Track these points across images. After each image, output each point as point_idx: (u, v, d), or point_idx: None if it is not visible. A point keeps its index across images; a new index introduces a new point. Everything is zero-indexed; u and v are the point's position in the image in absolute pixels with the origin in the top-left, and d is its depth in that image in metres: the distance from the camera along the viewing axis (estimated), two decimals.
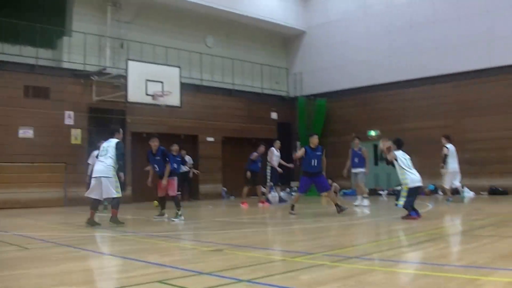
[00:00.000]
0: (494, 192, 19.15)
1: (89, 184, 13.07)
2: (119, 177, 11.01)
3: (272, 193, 18.19)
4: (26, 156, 17.56)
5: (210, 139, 22.72)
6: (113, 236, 8.81)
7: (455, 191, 16.88)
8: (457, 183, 16.12)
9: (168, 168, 11.83)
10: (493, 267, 5.11)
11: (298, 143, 25.18)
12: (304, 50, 26.45)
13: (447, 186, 16.15)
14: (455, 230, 8.86)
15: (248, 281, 4.65)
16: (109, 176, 10.50)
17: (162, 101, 18.55)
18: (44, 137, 18.03)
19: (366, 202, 15.56)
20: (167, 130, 20.09)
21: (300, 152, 12.81)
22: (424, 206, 14.54)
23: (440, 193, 17.14)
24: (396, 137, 11.70)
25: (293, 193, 23.94)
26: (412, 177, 10.77)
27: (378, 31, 23.36)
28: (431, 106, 21.32)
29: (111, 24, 20.24)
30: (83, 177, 15.71)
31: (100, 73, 19.25)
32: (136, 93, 18.02)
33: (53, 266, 5.82)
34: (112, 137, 11.04)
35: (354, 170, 15.82)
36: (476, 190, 19.43)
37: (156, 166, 12.06)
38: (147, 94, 18.25)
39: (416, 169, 10.92)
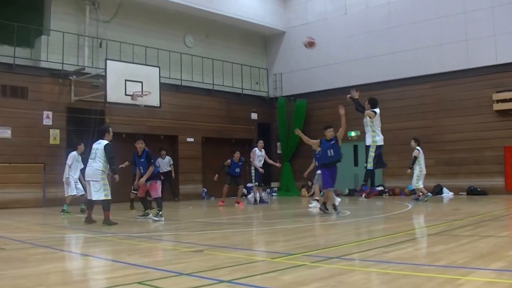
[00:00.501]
0: (472, 192, 19.35)
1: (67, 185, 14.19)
2: (114, 179, 11.04)
3: (251, 193, 18.32)
4: (4, 156, 17.34)
5: (190, 139, 22.64)
6: (93, 237, 8.73)
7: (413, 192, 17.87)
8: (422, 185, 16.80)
9: (150, 169, 11.78)
10: (472, 267, 5.14)
11: (278, 144, 25.23)
12: (284, 51, 26.49)
13: (421, 185, 16.55)
14: (434, 230, 8.91)
15: (229, 281, 4.62)
16: (97, 179, 10.63)
17: (142, 101, 18.44)
18: (22, 137, 17.82)
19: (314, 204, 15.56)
20: (146, 131, 19.97)
21: (315, 144, 12.29)
22: (404, 206, 14.66)
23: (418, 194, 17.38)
24: (371, 96, 11.90)
25: (273, 194, 24.02)
26: (381, 136, 11.14)
27: (357, 32, 23.51)
28: (410, 107, 21.50)
29: (89, 23, 20.09)
30: (62, 178, 15.55)
31: (79, 72, 19.09)
32: (115, 93, 17.86)
33: (31, 267, 5.73)
34: (102, 138, 11.01)
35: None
36: (455, 190, 19.69)
37: (141, 168, 12.02)
38: (126, 94, 18.11)
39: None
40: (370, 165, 11.01)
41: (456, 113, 20.31)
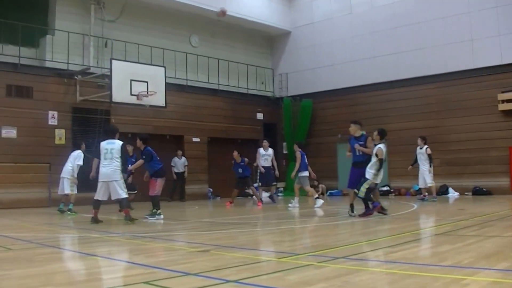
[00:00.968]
0: (478, 192, 19.30)
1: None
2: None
3: (268, 193, 18.57)
4: (9, 156, 17.36)
5: (196, 139, 22.66)
6: (99, 237, 8.75)
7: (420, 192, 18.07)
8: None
9: (139, 162, 12.28)
10: (478, 267, 5.14)
11: (284, 144, 25.21)
12: (289, 51, 26.48)
13: (431, 184, 16.64)
14: (440, 230, 8.90)
15: (235, 281, 4.63)
16: (118, 179, 10.88)
17: (147, 101, 18.44)
18: (27, 137, 17.85)
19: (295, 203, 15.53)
20: (152, 131, 19.98)
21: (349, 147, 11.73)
22: (410, 206, 14.65)
23: (423, 194, 17.41)
24: (379, 128, 11.49)
25: (279, 194, 23.97)
26: (381, 176, 10.93)
27: (362, 32, 23.47)
28: (415, 107, 21.47)
29: (95, 23, 20.09)
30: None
31: (84, 72, 19.11)
32: (120, 93, 17.84)
33: (37, 267, 5.75)
34: (113, 138, 11.25)
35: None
36: (461, 190, 19.66)
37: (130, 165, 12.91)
38: (132, 94, 18.09)
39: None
40: (362, 194, 10.83)
41: (461, 113, 20.26)
